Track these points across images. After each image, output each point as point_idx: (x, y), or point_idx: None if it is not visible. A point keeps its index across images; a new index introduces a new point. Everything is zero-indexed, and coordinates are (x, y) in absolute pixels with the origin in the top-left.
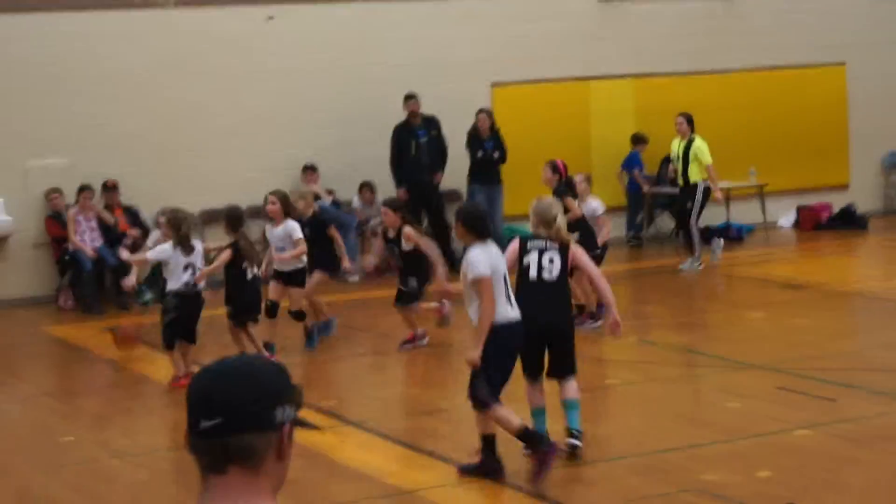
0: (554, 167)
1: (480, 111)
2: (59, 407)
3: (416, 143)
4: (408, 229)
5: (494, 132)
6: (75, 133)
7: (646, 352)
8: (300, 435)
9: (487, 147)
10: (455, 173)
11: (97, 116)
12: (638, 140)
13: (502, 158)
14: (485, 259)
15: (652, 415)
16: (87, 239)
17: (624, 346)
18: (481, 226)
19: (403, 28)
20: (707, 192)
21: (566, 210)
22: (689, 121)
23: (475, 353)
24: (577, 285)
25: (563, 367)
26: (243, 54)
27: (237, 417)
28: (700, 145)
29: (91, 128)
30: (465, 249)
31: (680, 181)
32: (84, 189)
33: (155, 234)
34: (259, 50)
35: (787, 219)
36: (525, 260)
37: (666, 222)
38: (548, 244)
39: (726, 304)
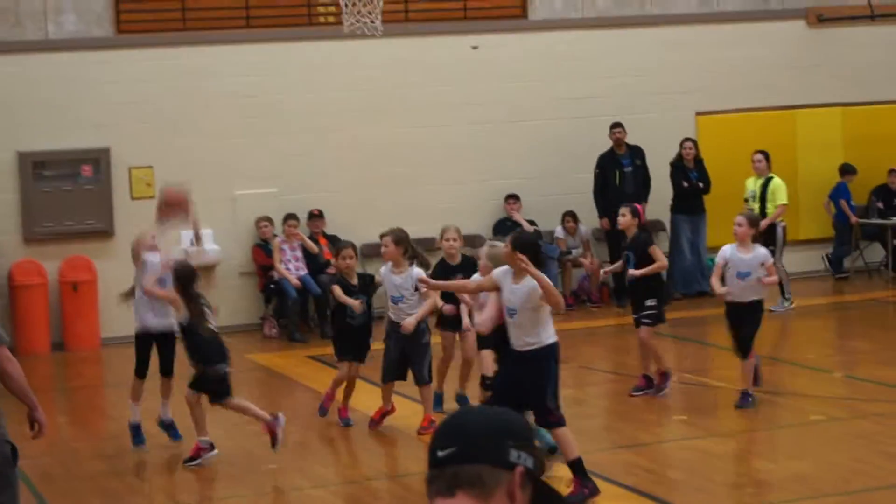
0: (634, 211)
1: (685, 140)
2: (263, 435)
3: (620, 172)
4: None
5: (699, 162)
6: (282, 163)
7: (852, 387)
8: None
9: (692, 177)
10: (658, 203)
11: (303, 147)
12: (846, 171)
13: (706, 189)
14: None
15: (859, 452)
16: (291, 268)
17: (829, 382)
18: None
19: (608, 56)
20: (784, 231)
21: (652, 260)
22: (767, 158)
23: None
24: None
25: None
26: (447, 84)
27: (471, 447)
28: (779, 184)
29: (297, 158)
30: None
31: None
32: (289, 217)
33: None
34: (463, 80)
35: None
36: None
37: (874, 253)
38: None
39: None
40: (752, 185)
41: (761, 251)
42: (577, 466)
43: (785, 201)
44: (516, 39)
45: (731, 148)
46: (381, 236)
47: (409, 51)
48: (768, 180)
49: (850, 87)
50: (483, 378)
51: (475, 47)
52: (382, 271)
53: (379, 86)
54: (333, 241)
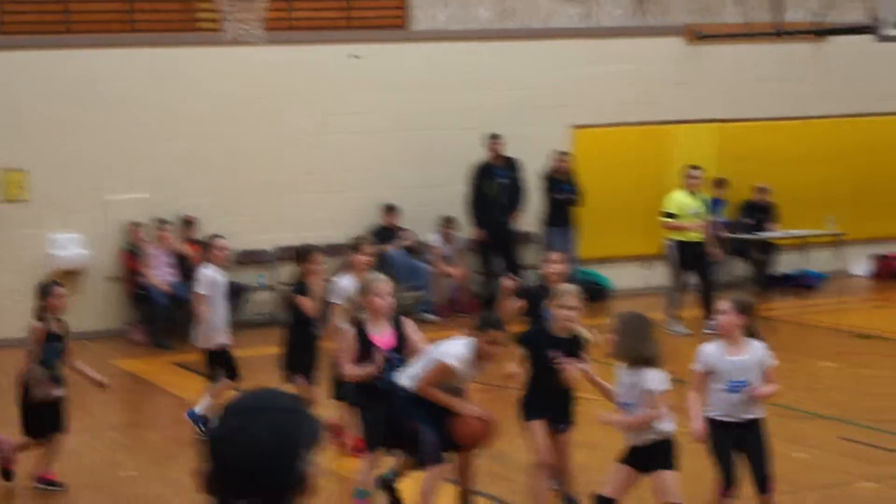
0: None
1: (559, 153)
2: (123, 441)
3: (495, 183)
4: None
5: (572, 175)
6: (154, 168)
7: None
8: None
9: (565, 190)
10: (530, 215)
11: (177, 152)
12: (719, 185)
13: (578, 201)
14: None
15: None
16: (161, 274)
17: None
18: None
19: (488, 68)
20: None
21: None
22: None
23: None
24: None
25: None
26: (325, 92)
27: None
28: (708, 200)
29: (170, 163)
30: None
31: (700, 237)
32: (161, 223)
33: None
34: (343, 88)
35: (863, 267)
36: None
37: (739, 268)
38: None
39: (796, 352)
40: (689, 200)
41: (758, 348)
42: None
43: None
44: (398, 49)
45: (608, 162)
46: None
47: (291, 58)
48: (702, 197)
49: (725, 104)
50: None
51: (356, 56)
52: None
53: (259, 92)
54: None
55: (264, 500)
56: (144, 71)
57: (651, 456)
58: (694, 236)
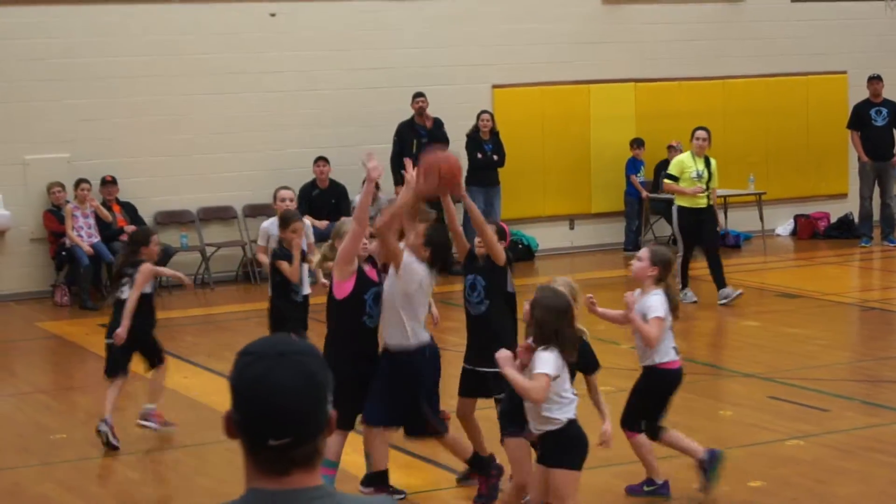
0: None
1: (482, 112)
2: (52, 403)
3: (418, 141)
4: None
5: (494, 134)
6: (75, 128)
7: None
8: None
9: (487, 149)
10: None
11: (97, 111)
12: (635, 145)
13: (501, 161)
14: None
15: None
16: (84, 234)
17: (616, 353)
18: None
19: (407, 27)
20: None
21: None
22: (710, 136)
23: None
24: None
25: None
26: (245, 51)
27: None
28: (715, 165)
29: (90, 123)
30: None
31: (703, 202)
32: (81, 182)
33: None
34: (261, 47)
35: (784, 227)
36: None
37: (662, 228)
38: None
39: (721, 312)
40: (692, 162)
41: (652, 298)
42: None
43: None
44: (315, 8)
45: (528, 121)
46: None
47: (207, 16)
48: (707, 160)
49: (642, 64)
50: None
51: (273, 14)
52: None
53: (175, 51)
54: (127, 207)
55: (294, 440)
56: (62, 29)
57: (543, 449)
58: (696, 202)
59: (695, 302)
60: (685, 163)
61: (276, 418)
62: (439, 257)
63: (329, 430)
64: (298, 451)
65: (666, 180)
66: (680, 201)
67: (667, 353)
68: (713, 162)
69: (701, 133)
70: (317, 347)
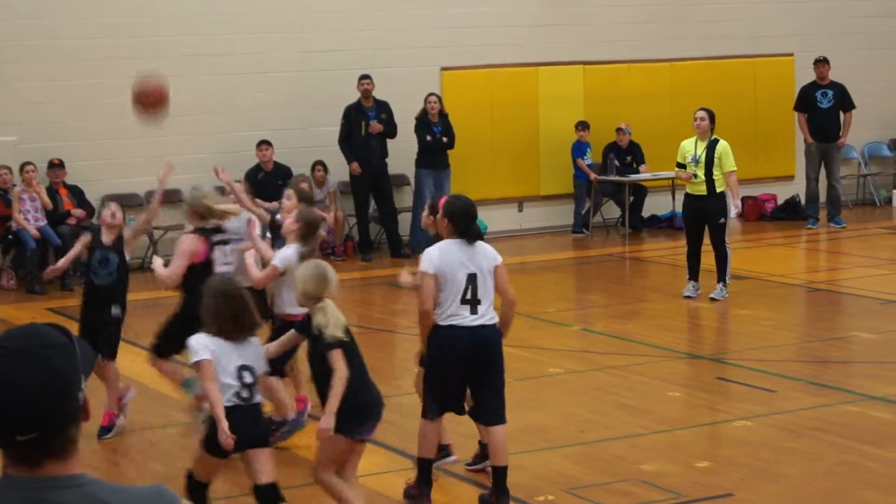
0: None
1: (430, 95)
2: None
3: (365, 124)
4: None
5: (443, 117)
6: (23, 111)
7: (588, 341)
8: None
9: (436, 131)
10: (403, 157)
11: (44, 94)
12: (580, 127)
13: (450, 143)
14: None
15: (594, 404)
16: (31, 218)
17: (567, 335)
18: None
19: (355, 10)
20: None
21: None
22: (712, 118)
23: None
24: None
25: None
26: (194, 33)
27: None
28: (726, 147)
29: (39, 106)
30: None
31: (702, 189)
32: (26, 165)
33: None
34: (209, 30)
35: (731, 209)
36: None
37: (611, 210)
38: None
39: (669, 293)
40: (692, 146)
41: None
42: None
43: (734, 167)
44: None
45: (477, 104)
46: None
47: None
48: (713, 142)
49: (591, 46)
50: None
51: None
52: None
53: (123, 33)
54: (73, 190)
55: (41, 435)
56: (10, 11)
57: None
58: (696, 188)
59: (689, 297)
60: (684, 147)
61: (19, 415)
62: None
63: (84, 417)
64: (49, 443)
65: (677, 168)
66: (687, 189)
67: (291, 306)
68: (722, 144)
69: (699, 113)
70: (70, 336)
